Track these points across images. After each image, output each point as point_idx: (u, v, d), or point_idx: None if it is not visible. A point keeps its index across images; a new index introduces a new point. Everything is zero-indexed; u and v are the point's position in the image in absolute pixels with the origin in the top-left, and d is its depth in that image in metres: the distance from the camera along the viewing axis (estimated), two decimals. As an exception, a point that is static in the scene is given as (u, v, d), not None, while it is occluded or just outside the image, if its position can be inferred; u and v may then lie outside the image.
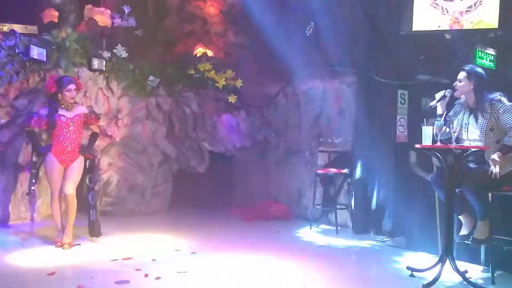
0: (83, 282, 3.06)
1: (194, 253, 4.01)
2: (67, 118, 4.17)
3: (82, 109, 4.39)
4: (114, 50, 5.61)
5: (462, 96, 3.57)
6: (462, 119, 3.56)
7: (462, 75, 3.50)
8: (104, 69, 5.48)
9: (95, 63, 5.39)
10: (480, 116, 3.43)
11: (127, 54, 5.67)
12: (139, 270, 3.40)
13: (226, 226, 5.45)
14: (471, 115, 3.51)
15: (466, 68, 3.54)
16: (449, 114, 3.60)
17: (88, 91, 5.44)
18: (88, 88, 5.44)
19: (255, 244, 4.49)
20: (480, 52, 4.63)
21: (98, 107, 5.55)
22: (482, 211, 3.32)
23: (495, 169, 3.17)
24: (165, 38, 6.64)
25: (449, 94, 3.51)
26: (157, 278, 3.23)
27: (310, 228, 5.36)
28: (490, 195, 3.41)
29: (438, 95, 3.53)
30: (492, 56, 4.68)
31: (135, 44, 6.02)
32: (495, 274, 3.33)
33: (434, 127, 3.45)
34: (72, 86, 4.17)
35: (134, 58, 5.80)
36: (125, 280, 3.15)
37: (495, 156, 3.21)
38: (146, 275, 3.28)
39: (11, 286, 3.08)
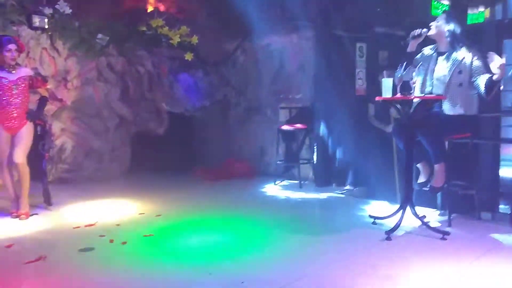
0: (45, 252, 2.93)
1: (159, 215, 3.94)
2: (9, 80, 3.84)
3: (26, 71, 4.05)
4: (56, 6, 5.18)
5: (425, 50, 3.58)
6: (428, 66, 3.61)
7: (440, 17, 3.55)
8: (46, 27, 5.06)
9: (36, 20, 4.96)
10: (452, 58, 3.48)
11: (71, 10, 5.24)
12: (104, 236, 3.31)
13: (190, 187, 5.40)
14: (440, 56, 3.56)
15: (446, 11, 3.57)
16: (416, 58, 3.64)
17: (31, 51, 5.04)
18: (31, 48, 5.04)
19: (220, 202, 4.49)
20: (435, 2, 4.66)
21: (44, 68, 5.17)
22: (437, 155, 3.46)
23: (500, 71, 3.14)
24: (112, -9, 6.17)
25: (424, 34, 3.52)
26: (123, 243, 3.15)
27: (275, 184, 5.43)
28: (446, 143, 3.55)
29: (414, 33, 3.52)
30: (447, 6, 4.73)
31: (79, -1, 5.57)
32: (451, 217, 3.54)
33: (395, 78, 3.49)
34: (12, 46, 3.82)
35: (79, 15, 5.38)
36: (89, 247, 3.06)
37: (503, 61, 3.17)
38: (111, 241, 3.19)
39: (-35, 262, 2.90)
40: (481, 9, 4.90)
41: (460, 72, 3.44)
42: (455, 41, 3.49)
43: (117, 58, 5.76)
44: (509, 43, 4.49)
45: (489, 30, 4.41)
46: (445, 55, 3.54)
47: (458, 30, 3.53)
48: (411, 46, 3.55)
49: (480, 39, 4.29)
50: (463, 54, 3.45)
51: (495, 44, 4.33)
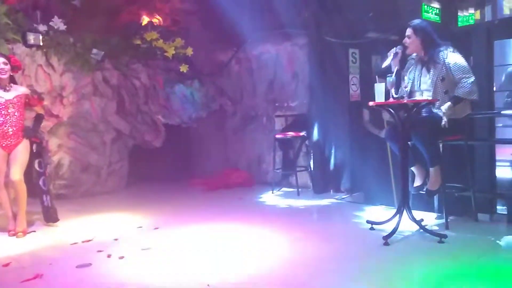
0: (42, 270, 2.92)
1: (157, 228, 3.94)
2: (5, 100, 3.86)
3: (22, 90, 4.07)
4: (51, 23, 5.22)
5: (414, 54, 3.63)
6: (414, 72, 3.65)
7: (409, 31, 3.57)
8: (41, 44, 5.09)
9: (31, 38, 5.00)
10: (432, 67, 3.51)
11: (65, 26, 5.29)
12: (101, 251, 3.30)
13: (188, 198, 5.40)
14: (423, 67, 3.59)
15: (412, 24, 3.59)
16: (403, 70, 3.67)
17: (26, 69, 5.05)
18: (26, 65, 5.05)
19: (218, 213, 4.48)
20: (426, 6, 4.71)
21: (40, 85, 5.19)
22: (432, 158, 3.47)
23: (445, 119, 3.30)
24: (106, 6, 6.21)
25: (400, 51, 3.55)
26: (121, 257, 3.15)
27: (272, 192, 5.43)
28: (441, 145, 3.55)
29: (390, 54, 3.57)
30: (437, 10, 4.78)
31: (73, 15, 5.61)
32: (448, 220, 3.53)
33: (387, 83, 3.50)
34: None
35: (73, 31, 5.42)
36: (87, 263, 3.05)
37: (445, 107, 3.33)
38: (109, 256, 3.19)
39: (-38, 282, 2.90)
40: (471, 11, 4.95)
41: (443, 79, 3.46)
42: (431, 49, 3.50)
43: (112, 72, 5.79)
44: (499, 44, 4.53)
45: (479, 31, 4.44)
46: (425, 65, 3.56)
47: (430, 37, 3.51)
48: (395, 64, 3.58)
49: (471, 41, 4.33)
50: (441, 62, 3.45)
51: (485, 45, 4.37)
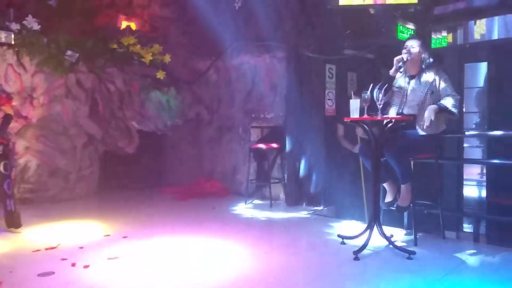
0: (2, 277, 2.79)
1: (126, 237, 3.84)
2: (-29, 98, 3.72)
3: (-11, 88, 3.93)
4: (24, 22, 5.09)
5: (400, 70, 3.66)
6: (403, 93, 3.69)
7: (415, 43, 3.65)
8: (13, 42, 4.95)
9: (2, 36, 4.88)
10: (423, 80, 3.60)
11: (39, 26, 5.16)
12: (65, 259, 3.18)
13: (159, 207, 5.30)
14: (412, 80, 3.67)
15: (415, 37, 3.75)
16: (393, 86, 3.73)
17: (-5, 67, 4.90)
18: (-5, 64, 4.89)
19: (189, 223, 4.41)
20: (401, 27, 4.85)
21: (9, 85, 5.04)
22: (404, 175, 3.53)
23: (427, 122, 3.38)
24: (82, 8, 6.11)
25: (407, 59, 3.60)
26: (86, 266, 3.04)
27: (245, 204, 5.39)
28: (412, 162, 3.62)
29: (397, 61, 3.59)
30: (412, 31, 4.92)
31: (48, 15, 5.49)
32: (417, 236, 3.59)
33: (362, 100, 3.55)
34: None
35: (48, 31, 5.29)
36: (49, 271, 2.93)
37: (431, 107, 3.41)
38: (73, 264, 3.07)
39: None
40: (444, 33, 5.12)
41: (432, 92, 3.57)
42: (428, 65, 3.63)
43: (87, 75, 5.67)
44: (470, 67, 4.70)
45: (451, 54, 4.60)
46: (415, 78, 3.66)
47: (429, 55, 3.68)
48: (394, 72, 3.65)
49: (443, 63, 4.47)
50: (432, 76, 3.58)
51: (457, 67, 4.52)
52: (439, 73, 3.59)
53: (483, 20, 5.31)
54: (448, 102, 3.47)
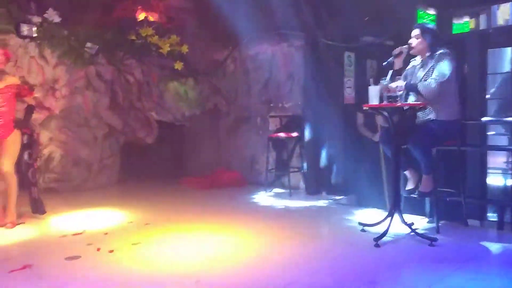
0: (31, 260, 2.88)
1: (148, 224, 3.91)
2: (-5, 90, 3.81)
3: (12, 80, 4.02)
4: (45, 15, 5.18)
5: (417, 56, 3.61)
6: (412, 73, 3.65)
7: (416, 32, 3.56)
8: (35, 35, 5.04)
9: (24, 29, 4.96)
10: (428, 66, 3.51)
11: (60, 19, 5.24)
12: (91, 244, 3.27)
13: (179, 196, 5.36)
14: (420, 67, 3.60)
15: (419, 25, 3.62)
16: (406, 70, 3.67)
17: (18, 60, 5.01)
18: (19, 57, 5.01)
19: (209, 211, 4.46)
20: (420, 12, 4.75)
21: (32, 77, 5.14)
22: (427, 166, 3.48)
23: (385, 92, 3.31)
24: (101, 1, 6.17)
25: (405, 51, 3.56)
26: (111, 251, 3.12)
27: (265, 193, 5.42)
28: (434, 150, 3.58)
29: (395, 52, 3.56)
30: (433, 16, 4.82)
31: (68, 7, 5.56)
32: (439, 224, 3.56)
33: (381, 87, 3.51)
34: None
35: (68, 23, 5.37)
36: (76, 255, 3.01)
37: (398, 82, 3.36)
38: (98, 249, 3.15)
39: None
40: (466, 19, 5.00)
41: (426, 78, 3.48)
42: (435, 51, 3.52)
43: (106, 67, 5.75)
44: (492, 52, 4.59)
45: (473, 40, 4.50)
46: (421, 63, 3.59)
47: (435, 40, 3.53)
48: (397, 64, 3.58)
49: (465, 49, 4.38)
50: (433, 62, 3.46)
51: (479, 53, 4.42)
52: (440, 58, 3.43)
53: (507, 5, 5.16)
54: (423, 84, 3.36)
